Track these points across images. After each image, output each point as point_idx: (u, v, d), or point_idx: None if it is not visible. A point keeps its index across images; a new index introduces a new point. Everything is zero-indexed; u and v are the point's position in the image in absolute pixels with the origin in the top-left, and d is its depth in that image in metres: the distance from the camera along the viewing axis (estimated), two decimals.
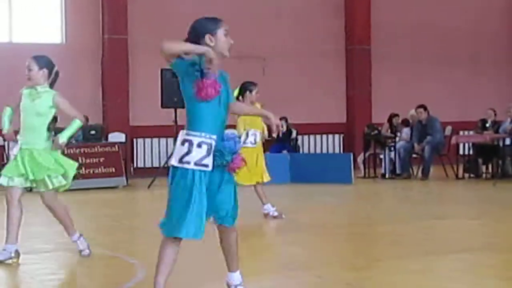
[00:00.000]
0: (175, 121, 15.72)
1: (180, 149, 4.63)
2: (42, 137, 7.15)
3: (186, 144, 4.62)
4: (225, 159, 4.69)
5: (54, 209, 7.24)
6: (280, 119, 19.10)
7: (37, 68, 7.25)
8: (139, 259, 6.90)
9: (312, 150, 21.26)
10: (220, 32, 4.94)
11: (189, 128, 4.68)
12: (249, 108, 5.81)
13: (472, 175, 16.51)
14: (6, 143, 17.26)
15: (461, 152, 17.46)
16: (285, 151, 17.93)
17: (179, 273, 6.44)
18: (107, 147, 16.23)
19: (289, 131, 18.83)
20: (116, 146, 16.33)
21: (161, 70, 15.65)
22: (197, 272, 6.47)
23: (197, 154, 4.61)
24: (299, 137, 19.84)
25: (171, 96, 14.96)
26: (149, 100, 18.00)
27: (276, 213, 9.74)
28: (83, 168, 15.67)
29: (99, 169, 15.82)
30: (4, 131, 7.31)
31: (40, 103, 7.21)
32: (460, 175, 16.41)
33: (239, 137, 8.82)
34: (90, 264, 7.04)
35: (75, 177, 7.42)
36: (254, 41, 20.63)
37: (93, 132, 16.38)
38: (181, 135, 4.68)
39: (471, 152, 17.03)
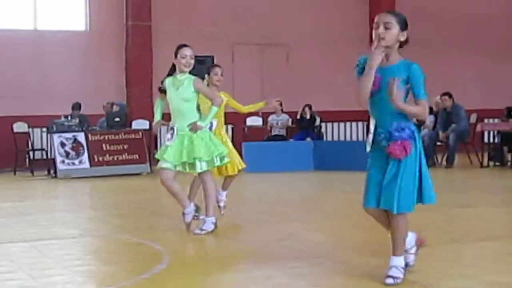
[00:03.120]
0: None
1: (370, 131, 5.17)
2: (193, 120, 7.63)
3: (372, 127, 5.20)
4: (382, 144, 5.12)
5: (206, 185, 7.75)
6: (305, 106, 19.14)
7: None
8: (164, 245, 6.93)
9: (335, 138, 21.22)
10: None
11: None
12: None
13: (497, 163, 16.41)
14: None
15: (486, 140, 17.34)
16: (308, 139, 17.92)
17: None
18: (131, 134, 16.31)
19: (313, 118, 18.80)
20: (140, 133, 16.40)
21: None
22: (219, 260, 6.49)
23: (370, 136, 5.19)
24: (323, 125, 19.81)
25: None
26: None
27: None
28: (107, 155, 15.77)
29: (123, 156, 15.90)
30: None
31: (184, 90, 7.61)
32: (485, 163, 16.31)
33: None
34: (116, 251, 7.08)
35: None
36: (278, 29, 20.60)
37: (117, 119, 16.46)
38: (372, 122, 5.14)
39: (496, 140, 16.91)
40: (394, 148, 5.04)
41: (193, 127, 7.59)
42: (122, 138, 16.09)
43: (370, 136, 5.15)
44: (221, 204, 9.08)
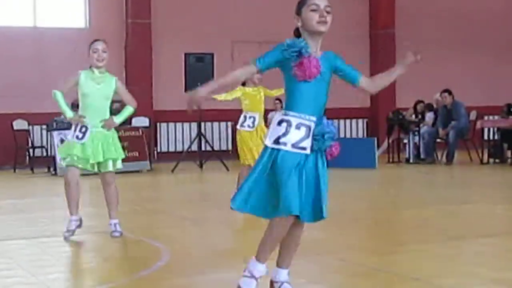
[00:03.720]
0: (199, 106, 15.72)
1: (276, 130, 4.46)
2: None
3: (284, 125, 4.44)
4: (325, 144, 4.53)
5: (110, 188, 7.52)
6: None
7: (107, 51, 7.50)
8: (164, 242, 6.92)
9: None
10: (306, 10, 4.59)
11: (287, 109, 4.51)
12: (383, 77, 4.93)
13: (497, 160, 16.41)
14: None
15: (485, 137, 17.34)
16: None
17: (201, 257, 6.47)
18: (131, 131, 16.29)
19: None
20: (140, 131, 16.38)
21: (185, 54, 15.65)
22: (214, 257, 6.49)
23: (295, 135, 4.43)
24: None
25: (195, 80, 14.95)
26: (172, 84, 18.04)
27: None
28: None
29: (123, 154, 15.86)
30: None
31: (105, 87, 7.49)
32: (485, 160, 16.31)
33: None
34: (115, 248, 7.08)
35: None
36: (278, 26, 20.53)
37: None
38: (277, 116, 4.54)
39: (496, 137, 16.91)
40: (336, 148, 4.65)
41: (108, 124, 7.36)
42: (122, 135, 16.02)
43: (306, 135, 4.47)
44: None
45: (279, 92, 9.81)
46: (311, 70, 4.42)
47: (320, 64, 4.47)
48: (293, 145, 4.41)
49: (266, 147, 4.51)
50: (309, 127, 4.45)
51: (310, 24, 4.55)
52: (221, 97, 9.45)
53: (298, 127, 4.43)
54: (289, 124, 4.43)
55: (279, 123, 4.45)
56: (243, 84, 9.56)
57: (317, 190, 4.61)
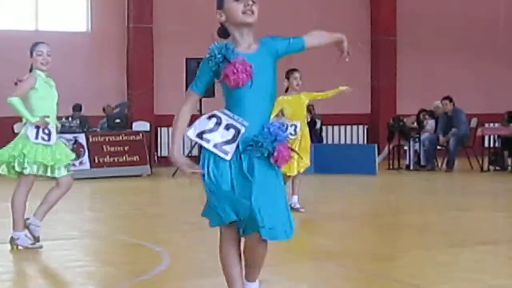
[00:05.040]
0: (200, 111, 15.74)
1: (204, 123, 4.03)
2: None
3: (213, 120, 4.00)
4: (265, 148, 3.94)
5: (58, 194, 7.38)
6: (309, 106, 18.93)
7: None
8: (164, 247, 6.93)
9: (336, 141, 21.20)
10: (228, 1, 4.07)
11: (226, 108, 4.06)
12: (322, 34, 4.43)
13: (497, 168, 16.41)
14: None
15: (486, 144, 17.34)
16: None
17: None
18: (131, 135, 16.30)
19: (313, 122, 18.80)
20: (141, 135, 16.39)
21: (186, 59, 15.67)
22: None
23: (221, 135, 3.97)
24: (323, 128, 19.80)
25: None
26: (173, 89, 18.03)
27: (298, 205, 9.57)
28: (108, 157, 15.77)
29: (123, 158, 15.89)
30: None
31: (54, 89, 7.69)
32: (485, 167, 16.30)
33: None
34: (116, 252, 7.08)
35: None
36: (279, 30, 20.55)
37: (117, 120, 16.46)
38: (216, 111, 4.07)
39: (496, 144, 16.91)
40: (280, 151, 3.98)
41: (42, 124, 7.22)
42: (123, 139, 16.08)
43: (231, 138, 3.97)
44: (298, 206, 9.43)
45: (326, 95, 10.01)
46: (239, 77, 3.95)
47: (250, 66, 3.97)
48: (215, 145, 3.96)
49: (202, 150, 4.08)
50: (238, 131, 3.96)
51: (235, 16, 4.05)
52: None
53: (227, 127, 3.97)
54: (219, 121, 3.99)
55: (210, 117, 4.02)
56: (286, 90, 9.45)
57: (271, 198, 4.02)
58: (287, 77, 9.38)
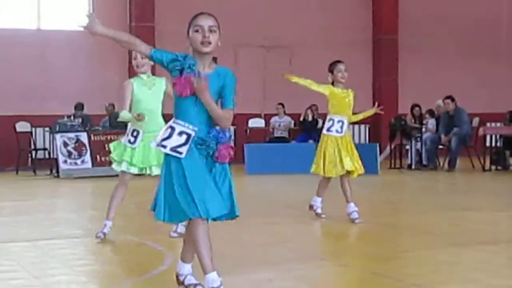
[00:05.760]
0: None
1: (163, 133, 4.81)
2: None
3: (168, 130, 4.79)
4: (210, 148, 4.74)
5: None
6: (311, 105, 18.87)
7: None
8: (166, 246, 6.95)
9: None
10: (191, 31, 4.86)
11: (175, 117, 4.81)
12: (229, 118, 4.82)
13: (499, 167, 16.42)
14: None
15: (488, 144, 17.35)
16: (311, 141, 17.92)
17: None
18: None
19: (315, 121, 18.82)
20: None
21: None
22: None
23: (175, 141, 4.74)
24: None
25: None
26: None
27: (319, 211, 8.93)
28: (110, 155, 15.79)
29: None
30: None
31: (156, 90, 7.60)
32: (487, 167, 16.31)
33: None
34: (119, 251, 7.10)
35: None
36: (282, 31, 20.61)
37: (119, 119, 16.47)
38: (170, 122, 4.85)
39: (498, 144, 16.92)
40: (222, 152, 4.76)
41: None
42: None
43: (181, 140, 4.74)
44: (319, 211, 8.90)
45: (356, 117, 8.99)
46: (183, 90, 4.67)
47: (193, 82, 4.63)
48: (171, 149, 4.73)
49: (164, 156, 4.82)
50: (189, 135, 4.72)
51: (195, 44, 4.79)
52: (300, 80, 8.85)
53: (180, 134, 4.73)
54: (172, 129, 4.76)
55: (167, 128, 4.81)
56: (332, 83, 8.76)
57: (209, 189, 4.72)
58: (331, 71, 8.69)
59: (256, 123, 20.20)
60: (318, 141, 17.94)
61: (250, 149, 16.40)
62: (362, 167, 8.72)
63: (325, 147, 8.61)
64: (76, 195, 12.88)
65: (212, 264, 4.79)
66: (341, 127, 8.54)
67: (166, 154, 4.78)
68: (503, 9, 23.08)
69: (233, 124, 18.50)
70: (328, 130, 8.62)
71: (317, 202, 8.88)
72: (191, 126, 4.73)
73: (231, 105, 4.80)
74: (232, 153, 4.83)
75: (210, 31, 4.78)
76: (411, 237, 7.77)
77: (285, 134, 19.23)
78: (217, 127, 4.80)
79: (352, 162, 8.60)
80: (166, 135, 4.77)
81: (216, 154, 4.75)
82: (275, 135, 19.25)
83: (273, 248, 7.00)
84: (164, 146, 4.77)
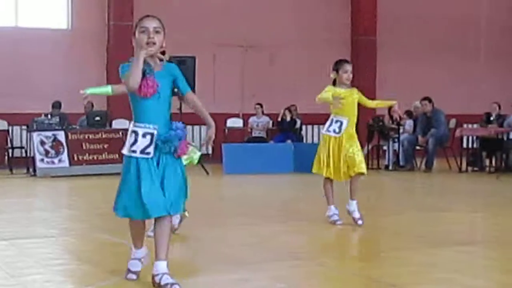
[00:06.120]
0: (180, 109, 15.72)
1: (129, 139, 5.07)
2: None
3: (133, 135, 5.05)
4: (173, 144, 5.02)
5: None
6: (290, 106, 18.83)
7: None
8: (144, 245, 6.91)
9: (316, 140, 21.25)
10: (137, 32, 5.09)
11: (135, 120, 5.08)
12: (199, 106, 5.31)
13: (475, 169, 16.53)
14: None
15: (465, 145, 17.47)
16: (289, 141, 17.96)
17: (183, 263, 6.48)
18: (111, 133, 16.26)
19: (293, 121, 18.85)
20: (120, 133, 16.34)
21: (169, 57, 15.62)
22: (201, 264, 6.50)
23: (142, 143, 5.01)
24: (304, 127, 19.86)
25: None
26: None
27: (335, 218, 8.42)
28: (87, 154, 15.72)
29: (103, 155, 15.86)
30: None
31: None
32: (464, 168, 16.42)
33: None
34: (95, 250, 7.07)
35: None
36: (260, 31, 20.63)
37: (97, 118, 16.41)
38: (131, 127, 5.11)
39: (475, 145, 17.03)
40: (182, 147, 5.08)
41: None
42: (102, 137, 16.04)
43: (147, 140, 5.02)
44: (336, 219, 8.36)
45: (379, 105, 8.99)
46: (148, 90, 4.97)
47: (157, 82, 4.99)
48: (141, 151, 5.02)
49: (124, 156, 5.13)
50: (152, 135, 5.01)
51: (141, 45, 5.01)
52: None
53: (144, 135, 5.02)
54: (136, 134, 5.03)
55: (131, 133, 5.07)
56: (333, 83, 8.46)
57: (163, 187, 5.01)
58: (336, 69, 8.32)
59: (234, 123, 20.20)
60: (296, 141, 18.07)
61: (228, 149, 16.40)
62: (359, 167, 8.30)
63: (322, 146, 8.46)
64: (53, 194, 12.81)
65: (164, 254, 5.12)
66: (339, 127, 8.28)
67: (127, 156, 5.07)
68: (481, 10, 23.23)
69: None
70: (326, 130, 8.43)
71: (331, 211, 8.41)
72: (151, 126, 5.02)
73: (189, 88, 5.21)
74: (187, 148, 5.19)
75: (155, 32, 5.03)
76: (388, 238, 7.79)
77: (263, 134, 19.26)
78: (177, 124, 5.12)
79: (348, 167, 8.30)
80: (133, 140, 5.04)
81: (178, 150, 5.06)
82: (253, 135, 19.28)
83: (251, 248, 7.00)
84: (135, 151, 5.03)
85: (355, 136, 8.40)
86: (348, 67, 8.33)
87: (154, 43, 5.01)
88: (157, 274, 5.11)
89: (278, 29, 20.85)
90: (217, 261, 6.31)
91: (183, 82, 5.20)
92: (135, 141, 5.02)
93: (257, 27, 20.58)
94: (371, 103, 8.75)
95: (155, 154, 5.02)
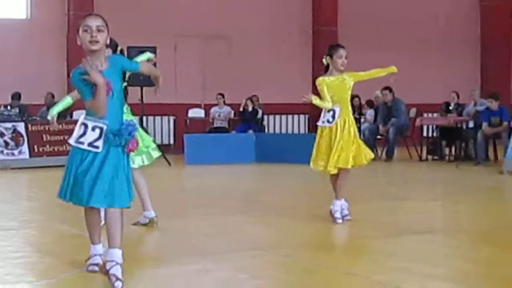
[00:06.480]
0: (141, 100, 15.67)
1: (78, 131, 5.14)
2: None
3: (82, 127, 5.12)
4: (123, 139, 5.08)
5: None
6: (252, 96, 18.77)
7: None
8: (104, 238, 6.87)
9: (277, 130, 21.32)
10: (81, 31, 5.16)
11: (87, 114, 5.15)
12: (148, 67, 5.65)
13: (435, 157, 16.69)
14: None
15: (425, 134, 17.62)
16: (250, 131, 17.97)
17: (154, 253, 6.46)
18: (72, 124, 16.06)
19: (255, 111, 18.86)
20: None
21: (127, 47, 15.53)
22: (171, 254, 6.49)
23: (90, 136, 5.07)
24: (266, 117, 19.88)
25: (138, 74, 14.76)
26: None
27: (337, 215, 7.91)
28: (48, 146, 15.59)
29: (64, 147, 15.73)
30: None
31: None
32: (424, 157, 16.58)
33: None
34: (55, 242, 7.02)
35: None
36: (221, 22, 20.59)
37: None
38: (81, 118, 5.19)
39: (435, 134, 17.19)
40: (133, 143, 5.14)
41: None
42: (63, 128, 15.88)
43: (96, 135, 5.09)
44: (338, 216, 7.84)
45: (380, 72, 8.28)
46: (106, 92, 5.00)
47: (109, 82, 5.00)
48: (89, 144, 5.07)
49: (72, 147, 5.19)
50: (102, 129, 5.05)
51: (84, 43, 5.08)
52: (316, 100, 7.91)
53: (93, 129, 5.07)
54: (86, 126, 5.10)
55: (80, 125, 5.14)
56: (326, 70, 8.04)
57: (109, 180, 5.05)
58: (330, 55, 7.87)
59: (196, 113, 20.16)
60: (257, 131, 18.08)
61: (189, 139, 16.36)
62: (362, 157, 8.04)
63: (318, 140, 8.02)
64: (13, 186, 12.69)
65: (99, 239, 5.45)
66: (332, 116, 7.81)
67: (73, 146, 5.15)
68: (441, 2, 23.41)
69: (172, 114, 18.59)
70: (321, 121, 7.97)
71: (336, 206, 7.94)
72: (102, 120, 5.05)
73: (137, 63, 5.35)
74: (136, 145, 5.22)
75: (98, 30, 5.06)
76: (348, 227, 7.83)
77: (225, 124, 19.25)
78: (129, 121, 5.18)
79: (343, 158, 7.84)
80: (81, 132, 5.10)
81: (128, 145, 5.11)
82: (215, 125, 19.26)
83: (212, 238, 7.01)
84: (82, 143, 5.08)
85: (353, 124, 7.95)
86: (343, 52, 7.85)
87: (97, 42, 5.03)
88: (111, 261, 5.10)
89: (240, 19, 20.83)
90: (179, 252, 6.30)
91: (130, 63, 5.29)
92: (84, 133, 5.08)
93: (218, 17, 20.54)
94: (372, 73, 8.25)
95: (104, 148, 5.05)
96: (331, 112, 7.83)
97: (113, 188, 5.03)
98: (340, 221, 7.70)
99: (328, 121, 7.86)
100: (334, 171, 7.90)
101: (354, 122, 7.98)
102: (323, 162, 7.93)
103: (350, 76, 7.97)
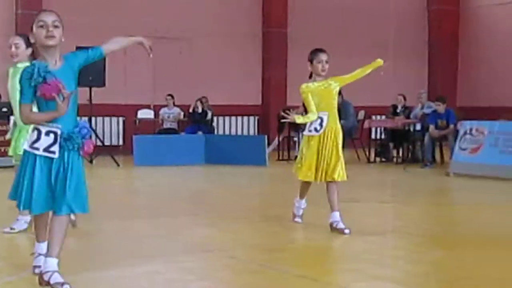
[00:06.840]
0: (90, 100, 15.55)
1: (31, 136, 4.99)
2: None
3: (36, 132, 4.96)
4: (76, 142, 4.96)
5: None
6: (197, 100, 18.72)
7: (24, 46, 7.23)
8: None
9: (227, 132, 21.30)
10: (35, 27, 4.98)
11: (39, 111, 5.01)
12: (120, 41, 5.57)
13: (383, 159, 16.84)
14: None
15: (373, 136, 17.77)
16: (200, 132, 17.92)
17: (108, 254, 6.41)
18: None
19: (204, 112, 18.82)
20: None
21: (76, 47, 15.40)
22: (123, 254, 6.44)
23: (45, 141, 4.92)
24: (215, 118, 19.86)
25: (87, 74, 14.72)
26: None
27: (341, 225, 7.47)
28: None
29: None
30: None
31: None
32: (372, 159, 16.71)
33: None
34: (0, 245, 6.91)
35: None
36: (172, 23, 20.51)
37: (4, 109, 16.03)
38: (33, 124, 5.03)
39: (383, 136, 17.35)
40: (88, 145, 5.04)
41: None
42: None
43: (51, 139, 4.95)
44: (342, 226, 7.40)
45: (368, 68, 8.32)
46: (51, 93, 4.85)
47: (59, 83, 4.87)
48: (45, 149, 4.93)
49: (25, 151, 5.03)
50: (56, 133, 4.93)
51: (39, 39, 4.93)
52: (300, 119, 7.66)
53: (47, 134, 4.94)
54: (39, 132, 4.95)
55: (33, 130, 5.01)
56: (310, 77, 7.74)
57: (64, 185, 4.93)
58: (310, 60, 7.65)
59: (145, 114, 20.04)
60: (207, 132, 18.05)
61: (139, 140, 16.26)
62: (342, 174, 7.68)
63: (306, 149, 7.71)
64: None
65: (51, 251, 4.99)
66: (320, 124, 7.53)
67: (27, 151, 4.98)
68: (391, 2, 23.62)
69: (121, 115, 18.42)
70: (308, 130, 7.69)
71: (298, 204, 8.05)
72: (55, 125, 4.92)
73: (98, 47, 5.25)
74: (92, 147, 5.11)
75: (54, 26, 4.93)
76: (297, 229, 7.86)
77: (175, 126, 19.17)
78: (82, 123, 5.09)
79: (331, 171, 7.63)
80: (35, 137, 4.95)
81: (83, 148, 5.01)
82: (164, 126, 19.16)
83: (161, 240, 6.97)
84: (37, 149, 4.93)
85: (339, 133, 7.67)
86: (323, 57, 7.67)
87: (54, 37, 4.91)
88: (47, 272, 4.93)
89: (189, 20, 20.77)
90: (127, 254, 6.26)
91: (86, 53, 5.15)
92: (38, 139, 4.93)
93: (168, 18, 20.45)
94: (358, 73, 8.19)
95: (63, 153, 4.93)
96: (319, 120, 7.54)
97: (75, 194, 4.93)
98: (347, 231, 7.26)
99: (316, 130, 7.56)
100: (323, 181, 7.72)
101: (340, 132, 7.69)
102: (311, 173, 7.69)
103: (336, 80, 7.80)
